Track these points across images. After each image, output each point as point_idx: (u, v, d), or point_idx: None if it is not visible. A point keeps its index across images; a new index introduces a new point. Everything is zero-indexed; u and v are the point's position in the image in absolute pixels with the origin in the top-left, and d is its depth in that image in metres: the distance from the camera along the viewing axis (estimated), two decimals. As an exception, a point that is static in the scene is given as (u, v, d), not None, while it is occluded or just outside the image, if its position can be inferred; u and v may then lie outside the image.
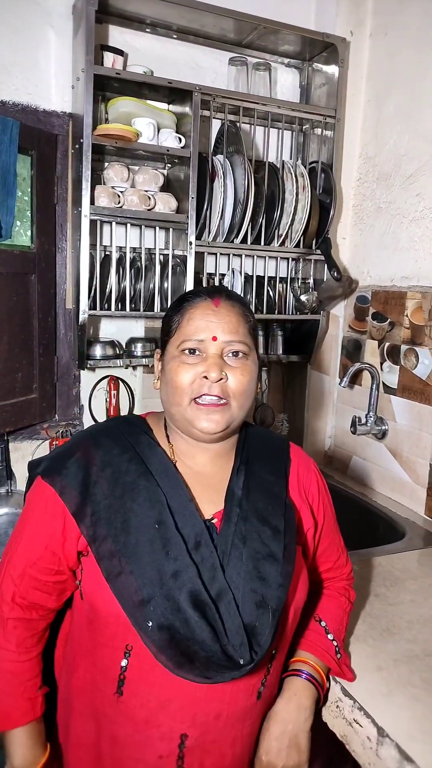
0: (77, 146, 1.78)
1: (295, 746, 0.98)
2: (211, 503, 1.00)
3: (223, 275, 2.03)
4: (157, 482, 0.96)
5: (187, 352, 0.97)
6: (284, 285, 2.17)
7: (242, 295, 1.95)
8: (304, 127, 2.14)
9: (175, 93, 1.89)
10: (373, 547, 1.62)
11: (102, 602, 0.91)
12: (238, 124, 1.93)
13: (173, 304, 1.05)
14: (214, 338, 0.96)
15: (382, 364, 2.01)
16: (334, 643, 1.08)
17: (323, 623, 1.11)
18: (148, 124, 1.82)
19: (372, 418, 2.01)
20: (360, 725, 0.99)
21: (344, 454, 2.25)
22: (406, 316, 1.89)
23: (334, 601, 1.15)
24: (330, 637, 1.09)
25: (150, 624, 0.86)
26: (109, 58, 1.82)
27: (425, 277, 1.84)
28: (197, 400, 0.96)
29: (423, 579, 1.44)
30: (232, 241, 1.95)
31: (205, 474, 1.02)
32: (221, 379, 0.95)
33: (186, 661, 0.86)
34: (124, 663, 0.91)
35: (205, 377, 0.95)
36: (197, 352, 0.97)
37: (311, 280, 2.16)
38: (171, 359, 0.99)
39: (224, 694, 0.92)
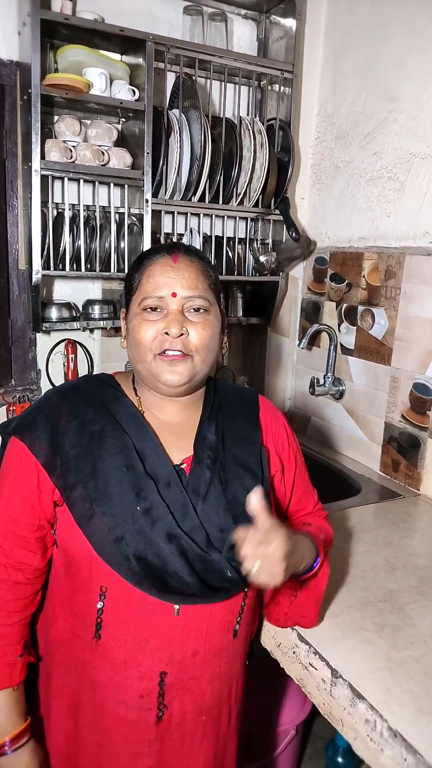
0: (25, 97, 1.69)
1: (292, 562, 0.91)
2: (179, 449, 1.02)
3: (181, 235, 2.00)
4: (124, 429, 0.98)
5: (148, 309, 0.98)
6: (243, 246, 2.15)
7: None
8: (261, 82, 2.10)
9: (128, 42, 1.81)
10: (330, 503, 1.66)
11: (75, 545, 0.94)
12: (193, 77, 1.87)
13: (134, 262, 1.05)
14: (174, 294, 0.97)
15: (339, 325, 2.03)
16: (323, 541, 1.06)
17: (312, 526, 1.10)
18: (99, 74, 1.74)
19: (330, 379, 2.04)
20: (315, 668, 1.02)
21: (303, 415, 2.28)
22: (363, 277, 1.91)
23: (321, 521, 1.15)
24: (321, 536, 1.07)
25: (126, 559, 0.90)
26: (57, 2, 1.72)
27: (381, 237, 1.85)
28: (160, 355, 0.97)
29: (376, 531, 1.49)
30: (190, 199, 1.91)
31: (174, 423, 1.05)
32: (182, 334, 0.96)
33: (166, 587, 0.91)
34: (99, 605, 0.94)
35: (167, 333, 0.96)
36: (158, 309, 0.98)
37: (270, 241, 2.14)
38: (134, 317, 1.00)
39: (200, 632, 0.96)
